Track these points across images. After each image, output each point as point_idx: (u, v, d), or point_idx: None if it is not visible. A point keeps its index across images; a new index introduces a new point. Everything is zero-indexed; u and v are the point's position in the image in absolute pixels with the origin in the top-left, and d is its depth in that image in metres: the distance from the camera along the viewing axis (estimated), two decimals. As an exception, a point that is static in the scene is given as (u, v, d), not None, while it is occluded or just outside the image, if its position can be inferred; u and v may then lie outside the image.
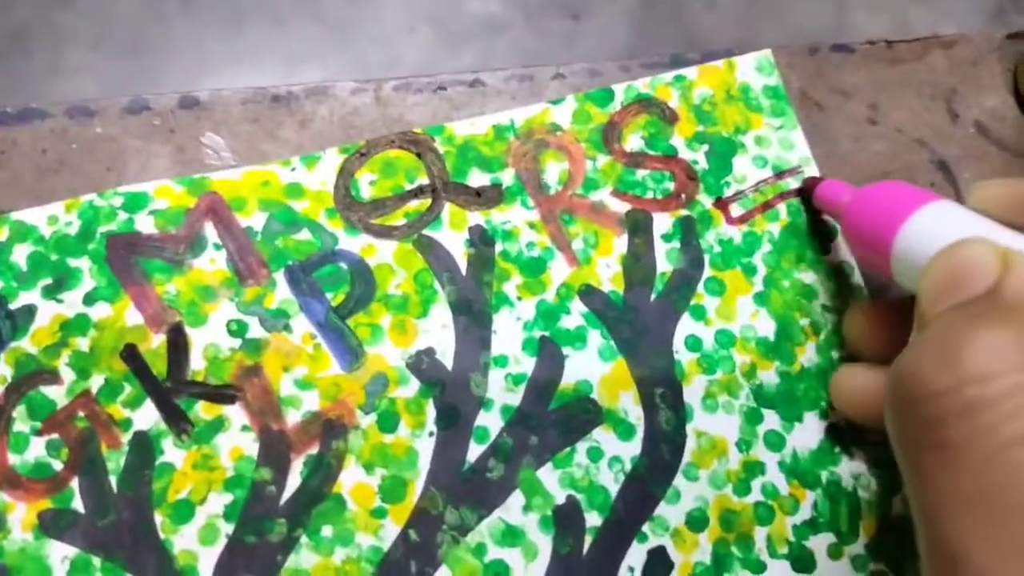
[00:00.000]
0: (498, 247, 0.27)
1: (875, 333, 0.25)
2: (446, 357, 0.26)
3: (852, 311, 0.26)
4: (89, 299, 0.25)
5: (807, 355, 0.27)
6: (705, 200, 0.28)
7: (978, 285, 0.19)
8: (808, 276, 0.28)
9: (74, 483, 0.24)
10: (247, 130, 0.27)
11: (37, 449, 0.24)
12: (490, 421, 0.25)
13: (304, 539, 0.24)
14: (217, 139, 0.26)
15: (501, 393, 0.26)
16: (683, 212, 0.28)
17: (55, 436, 0.24)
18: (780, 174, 0.29)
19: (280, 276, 0.26)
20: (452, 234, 0.27)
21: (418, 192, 0.27)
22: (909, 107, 0.30)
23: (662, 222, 0.28)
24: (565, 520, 0.25)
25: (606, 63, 0.29)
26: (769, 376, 0.26)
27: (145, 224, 0.26)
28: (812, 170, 0.29)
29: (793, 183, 0.28)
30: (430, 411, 0.25)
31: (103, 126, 0.26)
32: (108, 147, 0.26)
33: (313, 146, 0.27)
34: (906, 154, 0.29)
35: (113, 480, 0.24)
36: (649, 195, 0.28)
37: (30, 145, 0.26)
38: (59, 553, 0.23)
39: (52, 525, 0.23)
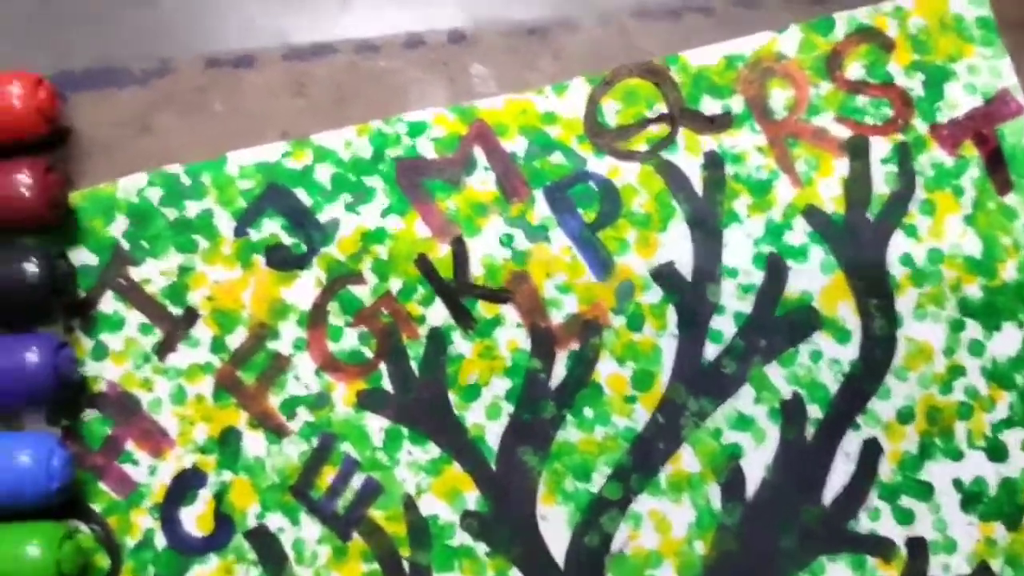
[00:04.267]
0: (729, 169, 0.30)
1: None
2: (684, 268, 0.29)
3: None
4: (384, 213, 0.29)
5: (1008, 271, 0.30)
6: (920, 126, 0.30)
7: None
8: (1011, 198, 0.30)
9: (382, 367, 0.28)
10: (507, 60, 0.30)
11: (351, 339, 0.29)
12: (723, 325, 0.29)
13: (570, 418, 0.28)
14: (482, 69, 0.29)
15: (733, 300, 0.29)
16: (899, 137, 0.30)
17: (364, 328, 0.29)
18: (989, 101, 0.31)
19: (539, 194, 0.30)
20: (688, 157, 0.30)
21: (657, 119, 0.30)
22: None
23: (880, 146, 0.30)
24: (790, 411, 0.29)
25: (829, -8, 0.31)
26: (973, 289, 0.29)
27: (426, 149, 0.29)
28: (1020, 97, 0.31)
29: (1003, 107, 0.30)
30: (671, 315, 0.29)
31: (386, 60, 0.29)
32: (391, 79, 0.29)
33: (564, 75, 0.30)
34: (1114, 81, 0.31)
35: (414, 365, 0.28)
36: (868, 121, 0.30)
37: (326, 78, 0.29)
38: (376, 424, 0.28)
39: (368, 401, 0.28)
